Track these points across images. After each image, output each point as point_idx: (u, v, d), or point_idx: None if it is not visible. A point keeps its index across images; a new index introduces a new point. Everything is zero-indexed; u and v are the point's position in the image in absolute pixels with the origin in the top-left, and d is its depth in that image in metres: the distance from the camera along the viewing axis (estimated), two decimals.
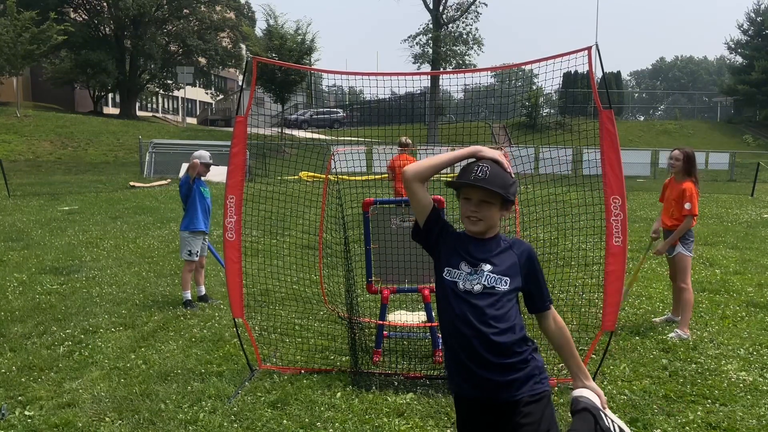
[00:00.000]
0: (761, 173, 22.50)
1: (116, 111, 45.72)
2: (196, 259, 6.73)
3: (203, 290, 6.93)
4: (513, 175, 2.27)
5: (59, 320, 6.02)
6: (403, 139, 9.45)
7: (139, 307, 6.51)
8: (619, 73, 51.74)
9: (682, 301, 5.66)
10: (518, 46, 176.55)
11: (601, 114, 4.19)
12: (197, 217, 6.73)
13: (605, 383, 4.51)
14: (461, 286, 2.18)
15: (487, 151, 2.25)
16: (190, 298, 6.62)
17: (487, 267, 2.18)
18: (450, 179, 2.31)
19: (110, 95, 48.74)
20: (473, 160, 2.26)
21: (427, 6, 39.28)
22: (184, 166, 22.99)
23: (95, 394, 4.32)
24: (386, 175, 9.70)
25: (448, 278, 2.22)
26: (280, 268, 6.32)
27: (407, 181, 2.28)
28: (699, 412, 4.02)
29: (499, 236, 2.28)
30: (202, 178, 6.92)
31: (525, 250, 2.26)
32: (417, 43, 40.28)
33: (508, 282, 2.18)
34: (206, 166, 6.83)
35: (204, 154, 6.89)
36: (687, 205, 5.57)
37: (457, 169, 2.36)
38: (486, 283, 2.17)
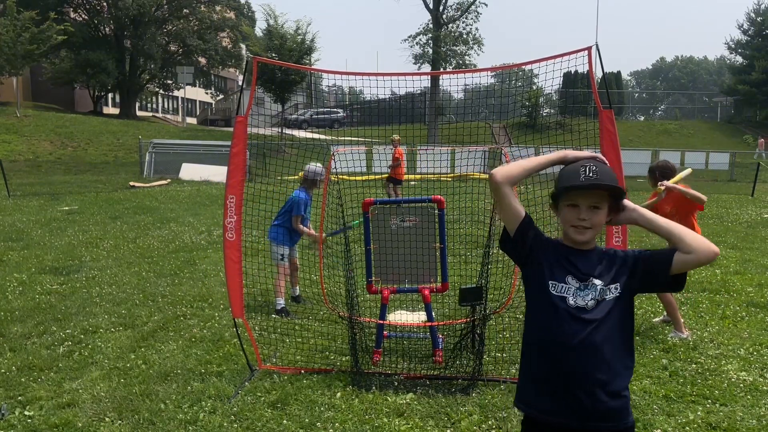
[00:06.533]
0: (761, 173, 22.50)
1: (116, 111, 45.73)
2: (287, 263, 6.50)
3: (298, 291, 6.84)
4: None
5: (59, 320, 6.02)
6: (394, 136, 13.45)
7: (139, 307, 6.50)
8: (619, 73, 51.76)
9: (665, 306, 5.68)
10: (517, 46, 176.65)
11: (601, 114, 4.19)
12: (285, 232, 6.41)
13: None
14: (572, 302, 2.03)
15: (576, 153, 2.13)
16: (284, 305, 6.35)
17: (598, 282, 2.04)
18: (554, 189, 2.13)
19: (110, 95, 48.76)
20: (573, 163, 2.11)
21: (427, 6, 39.27)
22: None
23: (95, 394, 4.32)
24: (386, 175, 13.83)
25: (555, 293, 2.05)
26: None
27: (498, 185, 2.09)
28: (699, 412, 4.02)
29: (596, 247, 2.13)
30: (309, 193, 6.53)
31: (620, 250, 2.14)
32: (417, 43, 40.31)
33: (619, 287, 2.04)
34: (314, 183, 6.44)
35: (317, 170, 6.42)
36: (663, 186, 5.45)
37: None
38: (599, 297, 2.03)
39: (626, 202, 2.12)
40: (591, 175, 2.01)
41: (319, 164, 6.56)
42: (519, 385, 2.18)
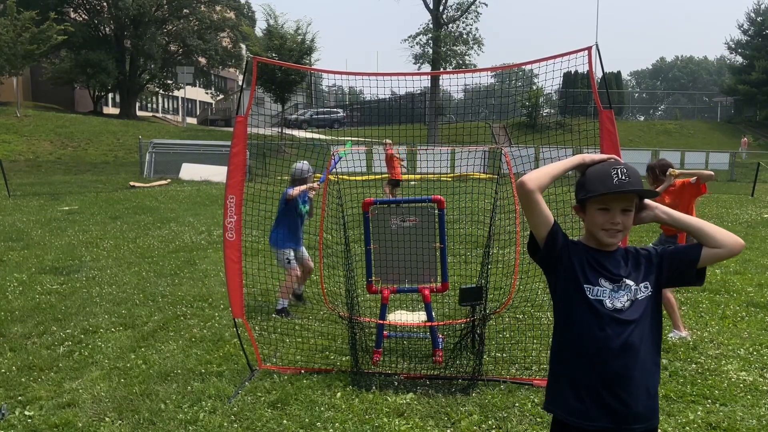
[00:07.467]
0: (761, 173, 22.50)
1: (116, 111, 45.74)
2: (296, 266, 6.41)
3: (301, 289, 6.80)
4: None
5: (59, 320, 6.02)
6: (385, 140, 12.65)
7: (139, 307, 6.50)
8: (619, 73, 51.76)
9: (664, 304, 5.69)
10: (516, 46, 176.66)
11: (601, 114, 4.19)
12: (284, 234, 6.36)
13: None
14: (609, 305, 2.03)
15: (592, 156, 2.14)
16: (285, 305, 6.29)
17: (631, 282, 2.06)
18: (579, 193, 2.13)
19: (110, 95, 48.76)
20: (593, 166, 2.12)
21: (427, 6, 39.28)
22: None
23: (95, 394, 4.32)
24: (387, 175, 14.00)
25: (591, 296, 2.05)
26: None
27: (531, 192, 2.06)
28: (699, 412, 4.02)
29: (618, 247, 2.14)
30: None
31: (641, 248, 2.15)
32: (417, 43, 40.30)
33: (649, 286, 2.07)
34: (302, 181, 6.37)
35: (304, 168, 6.41)
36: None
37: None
38: (633, 297, 2.04)
39: (647, 200, 2.14)
40: (624, 178, 2.02)
41: (304, 161, 6.55)
42: (551, 390, 2.16)
